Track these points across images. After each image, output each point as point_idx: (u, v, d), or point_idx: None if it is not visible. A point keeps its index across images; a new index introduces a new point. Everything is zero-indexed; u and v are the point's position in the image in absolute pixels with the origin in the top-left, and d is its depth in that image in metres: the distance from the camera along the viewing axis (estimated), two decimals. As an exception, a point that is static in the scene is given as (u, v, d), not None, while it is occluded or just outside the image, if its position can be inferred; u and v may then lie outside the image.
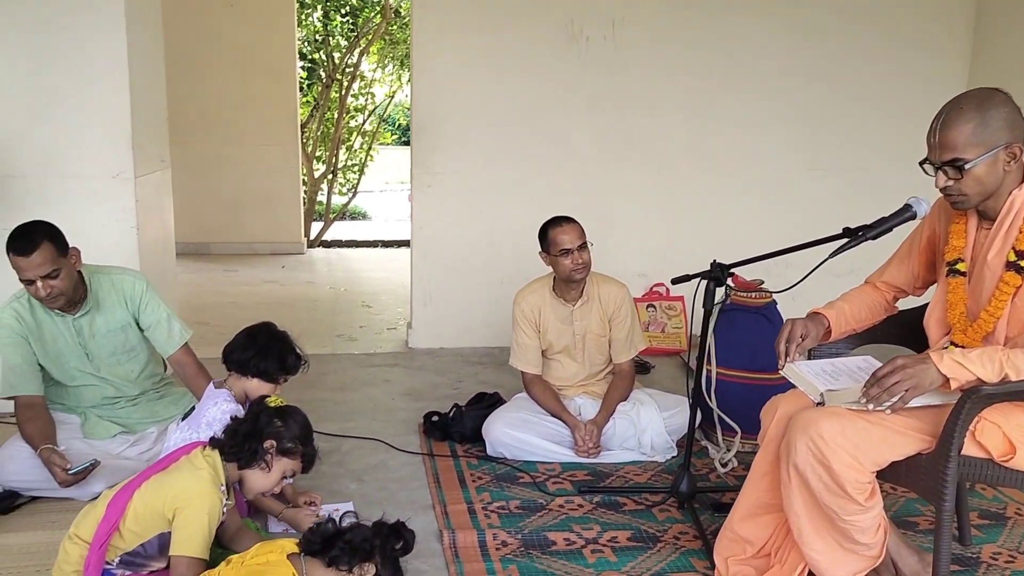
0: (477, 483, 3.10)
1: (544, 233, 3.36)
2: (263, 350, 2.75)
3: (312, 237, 9.12)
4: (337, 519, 2.06)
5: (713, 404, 3.16)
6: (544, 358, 3.53)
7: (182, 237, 7.75)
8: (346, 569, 1.91)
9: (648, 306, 4.98)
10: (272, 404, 2.44)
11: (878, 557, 2.16)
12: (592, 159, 4.86)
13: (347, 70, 9.76)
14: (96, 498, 2.31)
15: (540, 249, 3.38)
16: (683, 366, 4.54)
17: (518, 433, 3.30)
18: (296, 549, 1.96)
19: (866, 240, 2.31)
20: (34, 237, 2.79)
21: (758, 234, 4.64)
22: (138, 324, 3.13)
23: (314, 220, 9.43)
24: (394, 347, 4.96)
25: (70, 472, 2.75)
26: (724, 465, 3.18)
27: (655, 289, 5.02)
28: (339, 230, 9.99)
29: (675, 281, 2.87)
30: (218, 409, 2.68)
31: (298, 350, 2.84)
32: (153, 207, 4.08)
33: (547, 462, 3.29)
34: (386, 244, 9.29)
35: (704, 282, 2.73)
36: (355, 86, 10.05)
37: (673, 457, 3.34)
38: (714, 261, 2.71)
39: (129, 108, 3.66)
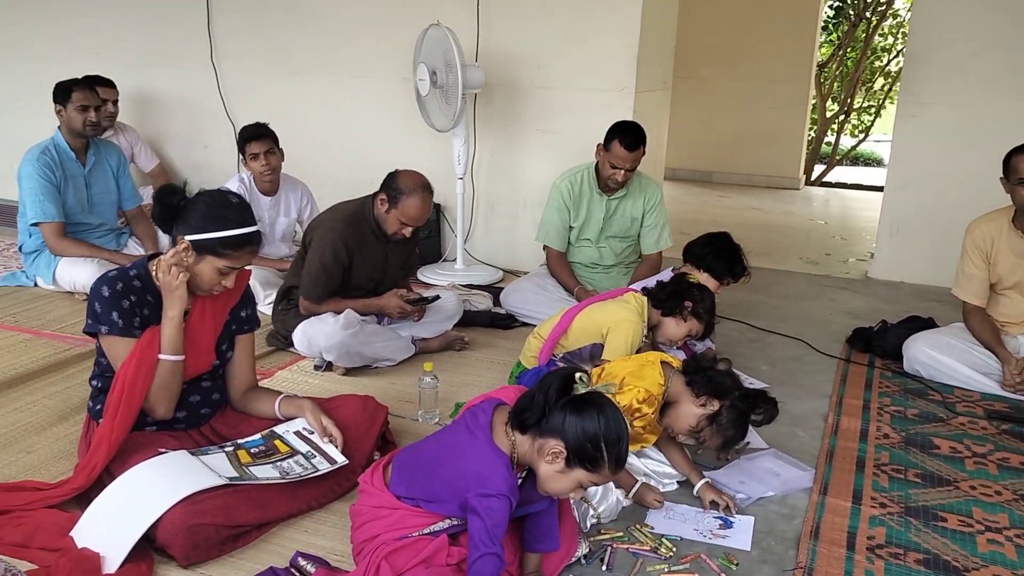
0: (882, 389, 3.24)
1: (1007, 159, 3.23)
2: (719, 252, 3.26)
3: (814, 176, 9.21)
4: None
5: None
6: (992, 292, 3.41)
7: (687, 164, 8.63)
8: (695, 393, 2.33)
9: None
10: (691, 280, 2.96)
11: None
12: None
13: (879, 8, 9.45)
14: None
15: (1001, 175, 3.26)
16: None
17: (938, 354, 3.31)
18: (673, 363, 2.46)
19: None
20: (639, 137, 3.65)
21: None
22: (642, 220, 3.90)
23: (818, 162, 9.48)
24: (853, 275, 5.06)
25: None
26: None
27: None
28: (845, 173, 9.87)
29: None
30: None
31: (745, 262, 3.28)
32: (649, 121, 4.77)
33: (966, 388, 3.25)
34: (891, 190, 8.93)
35: None
36: (884, 25, 9.68)
37: (1124, 414, 3.02)
38: None
39: (638, 33, 4.39)
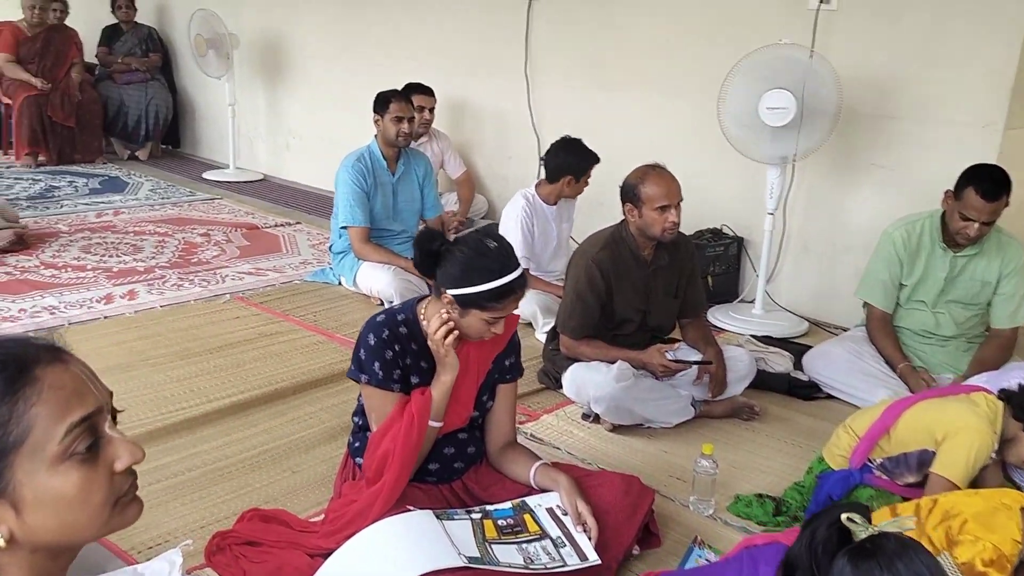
0: None
1: None
2: None
3: None
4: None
5: None
6: None
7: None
8: None
9: None
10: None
11: None
12: None
13: None
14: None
15: None
16: None
17: None
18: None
19: None
20: (1001, 185, 3.00)
21: None
22: (996, 286, 3.20)
23: None
24: None
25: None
26: None
27: None
28: None
29: None
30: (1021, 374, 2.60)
31: None
32: (1019, 164, 3.93)
33: None
34: None
35: None
36: None
37: None
38: None
39: (1018, 57, 3.57)
